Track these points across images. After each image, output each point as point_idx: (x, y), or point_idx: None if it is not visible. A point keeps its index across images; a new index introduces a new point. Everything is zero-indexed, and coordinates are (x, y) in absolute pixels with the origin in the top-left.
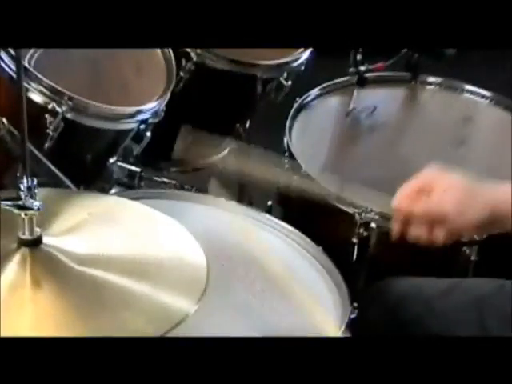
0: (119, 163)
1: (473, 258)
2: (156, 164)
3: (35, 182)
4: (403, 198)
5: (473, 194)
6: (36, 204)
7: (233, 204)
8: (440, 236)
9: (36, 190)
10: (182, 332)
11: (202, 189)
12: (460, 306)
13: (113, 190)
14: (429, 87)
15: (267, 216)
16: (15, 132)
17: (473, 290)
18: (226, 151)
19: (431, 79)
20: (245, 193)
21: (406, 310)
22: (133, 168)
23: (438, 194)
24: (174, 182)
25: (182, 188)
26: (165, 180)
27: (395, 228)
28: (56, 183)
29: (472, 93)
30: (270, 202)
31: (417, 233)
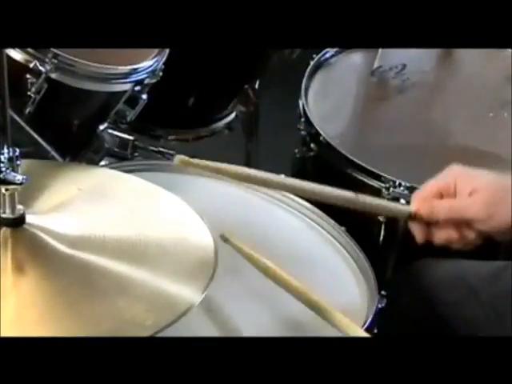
0: (110, 131)
1: None
2: (152, 131)
3: (17, 152)
4: (423, 201)
5: (501, 196)
6: (18, 178)
7: None
8: (470, 237)
9: (18, 162)
10: (186, 322)
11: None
12: (509, 292)
13: (102, 162)
14: None
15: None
16: None
17: None
18: (232, 116)
19: None
20: (253, 164)
21: (445, 296)
22: (125, 136)
23: (464, 197)
24: (172, 151)
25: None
26: (162, 150)
27: (417, 233)
28: (39, 153)
29: None
30: (283, 176)
31: (443, 237)
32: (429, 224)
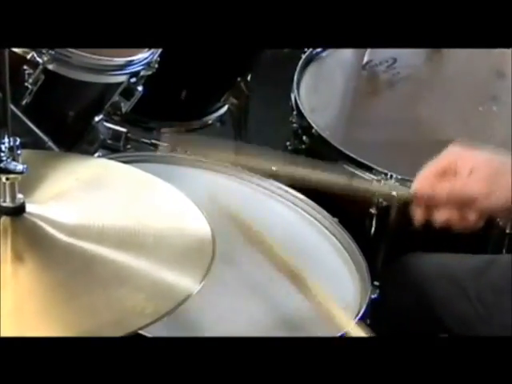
0: (104, 123)
1: (508, 230)
2: (145, 123)
3: (18, 141)
4: (424, 181)
5: (500, 173)
6: (19, 167)
7: (236, 169)
8: (471, 218)
9: (19, 151)
10: (184, 312)
11: (198, 152)
12: (496, 286)
13: (96, 154)
14: None
15: (275, 183)
16: None
17: (510, 267)
18: (224, 109)
19: None
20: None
21: (434, 290)
22: (118, 128)
23: (464, 175)
24: (165, 144)
25: (174, 151)
26: (154, 142)
27: (418, 214)
28: (35, 144)
29: None
30: (274, 168)
31: (444, 217)
32: (429, 205)
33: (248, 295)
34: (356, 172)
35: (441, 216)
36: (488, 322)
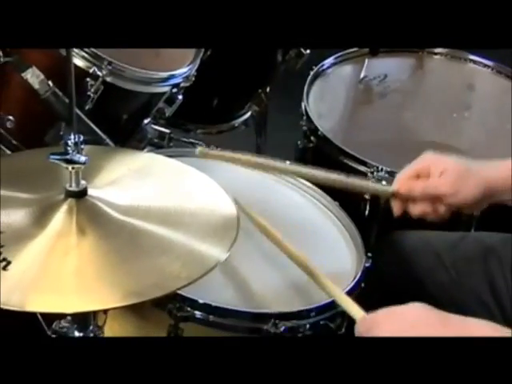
0: (151, 125)
1: (475, 213)
2: (184, 126)
3: (82, 138)
4: (402, 182)
5: (466, 175)
6: (82, 158)
7: None
8: (441, 211)
9: (82, 146)
10: (214, 276)
11: (226, 149)
12: (467, 257)
13: (145, 150)
14: (435, 57)
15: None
16: (60, 93)
17: (478, 242)
18: (248, 114)
19: (438, 49)
20: (263, 153)
21: (417, 261)
22: (163, 129)
23: (436, 176)
24: (200, 142)
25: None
26: (192, 141)
27: (397, 208)
28: (96, 141)
29: (475, 62)
30: (288, 163)
31: (418, 210)
32: (406, 200)
33: (266, 263)
34: (353, 165)
35: (415, 209)
36: (461, 285)
